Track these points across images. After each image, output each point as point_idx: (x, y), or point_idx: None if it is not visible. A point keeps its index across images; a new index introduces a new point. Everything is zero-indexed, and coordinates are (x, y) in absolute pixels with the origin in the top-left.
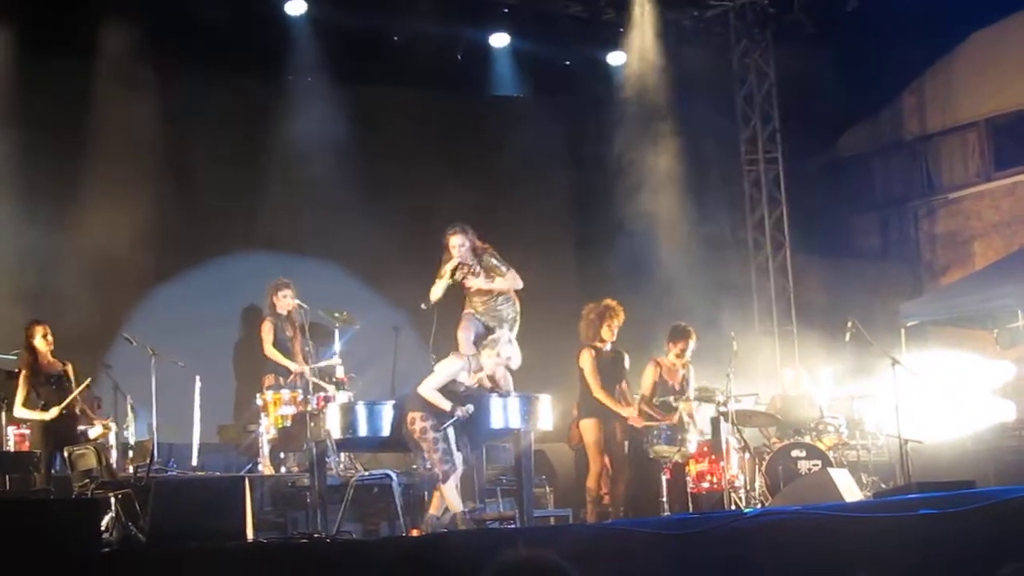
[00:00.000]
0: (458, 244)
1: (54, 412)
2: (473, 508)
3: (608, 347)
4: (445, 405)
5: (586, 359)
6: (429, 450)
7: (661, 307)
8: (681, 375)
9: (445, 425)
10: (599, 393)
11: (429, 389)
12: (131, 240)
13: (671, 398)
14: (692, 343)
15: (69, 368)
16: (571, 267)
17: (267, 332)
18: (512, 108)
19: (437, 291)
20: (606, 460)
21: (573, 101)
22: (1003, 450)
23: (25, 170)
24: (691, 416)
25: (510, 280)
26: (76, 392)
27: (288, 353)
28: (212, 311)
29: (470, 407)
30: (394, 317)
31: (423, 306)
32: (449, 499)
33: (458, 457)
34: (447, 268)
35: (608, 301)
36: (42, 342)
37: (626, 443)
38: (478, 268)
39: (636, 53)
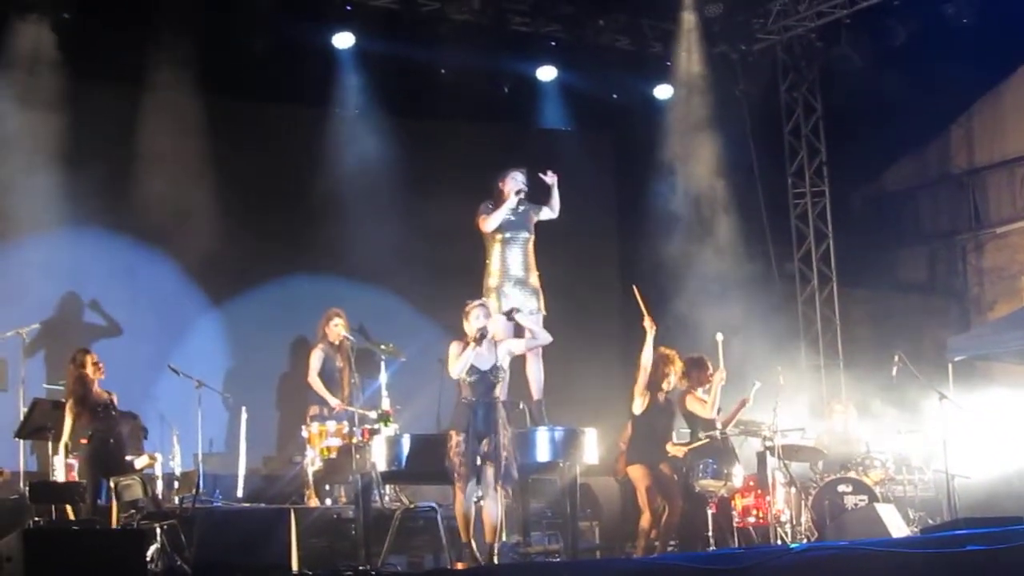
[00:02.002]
0: (522, 181)
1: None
2: (518, 542)
3: (662, 398)
4: (468, 358)
5: (637, 404)
6: (458, 464)
7: (707, 342)
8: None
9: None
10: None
11: (456, 372)
12: (178, 268)
13: (717, 431)
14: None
15: (114, 397)
16: (615, 301)
17: (315, 360)
18: (559, 141)
19: (497, 219)
20: (658, 503)
21: (619, 134)
22: None
23: (74, 198)
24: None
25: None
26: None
27: (336, 383)
28: (258, 340)
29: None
30: (441, 347)
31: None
32: (460, 515)
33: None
34: (513, 199)
35: (663, 349)
36: (92, 370)
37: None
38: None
39: (683, 87)
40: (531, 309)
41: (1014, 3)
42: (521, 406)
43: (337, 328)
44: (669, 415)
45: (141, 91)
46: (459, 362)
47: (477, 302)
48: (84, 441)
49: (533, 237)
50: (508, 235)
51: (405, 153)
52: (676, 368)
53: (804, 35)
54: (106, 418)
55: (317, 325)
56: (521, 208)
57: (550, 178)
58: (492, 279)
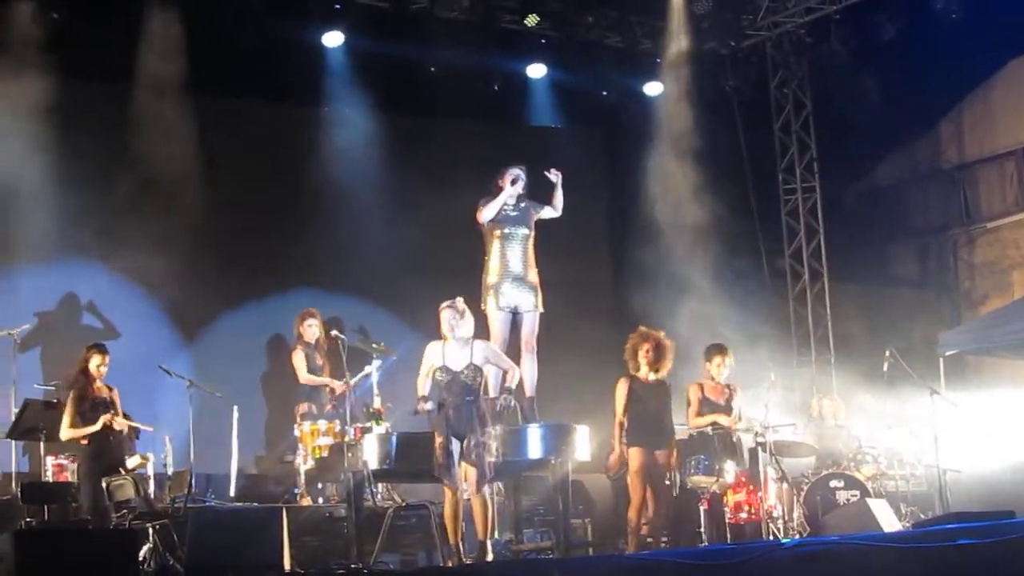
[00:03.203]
0: (522, 178)
1: (101, 423)
2: (510, 539)
3: (649, 377)
4: (423, 390)
5: (619, 388)
6: (440, 465)
7: (699, 338)
8: (727, 395)
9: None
10: (620, 418)
11: (420, 379)
12: (168, 271)
13: (720, 418)
14: (729, 359)
15: (115, 394)
16: (607, 299)
17: (299, 360)
18: (549, 138)
19: (493, 208)
20: (648, 490)
21: (610, 131)
22: None
23: (64, 202)
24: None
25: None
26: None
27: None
28: (247, 341)
29: (430, 404)
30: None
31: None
32: (447, 516)
33: (457, 474)
34: (511, 192)
35: (641, 328)
36: (96, 370)
37: (669, 473)
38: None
39: (673, 83)
40: (529, 307)
41: None
42: (513, 403)
43: (312, 328)
44: (659, 396)
45: (130, 90)
46: (422, 368)
47: (446, 304)
48: (84, 442)
49: (533, 234)
50: (507, 231)
51: (394, 152)
52: (647, 344)
53: (793, 31)
54: (104, 415)
55: (292, 326)
56: (522, 204)
57: (554, 176)
58: (491, 276)
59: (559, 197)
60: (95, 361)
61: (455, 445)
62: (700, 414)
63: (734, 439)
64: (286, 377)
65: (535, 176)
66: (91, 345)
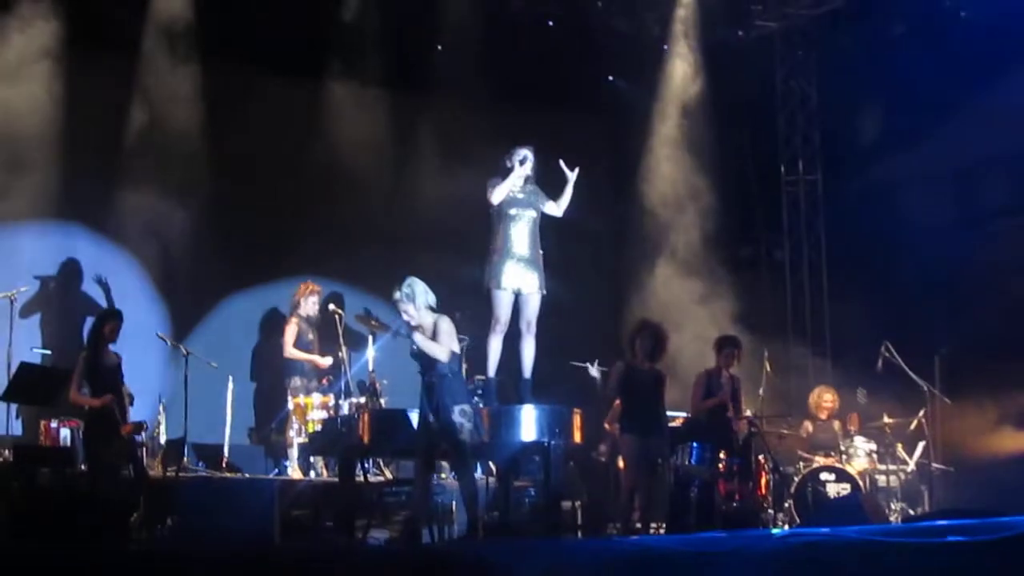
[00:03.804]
0: (530, 158)
1: (101, 402)
2: (500, 520)
3: (645, 366)
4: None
5: (615, 375)
6: (419, 438)
7: (697, 329)
8: (732, 386)
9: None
10: (615, 405)
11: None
12: (168, 241)
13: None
14: (739, 351)
15: (120, 362)
16: (607, 281)
17: (291, 333)
18: (554, 122)
19: (503, 190)
20: (639, 477)
21: (615, 117)
22: None
23: (66, 164)
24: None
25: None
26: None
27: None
28: (244, 312)
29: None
30: None
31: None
32: (421, 491)
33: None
34: (520, 173)
35: (641, 318)
36: (109, 335)
37: (660, 459)
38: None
39: (679, 71)
40: (532, 288)
41: None
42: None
43: (312, 304)
44: (655, 384)
45: (137, 58)
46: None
47: (398, 303)
48: (85, 401)
49: (539, 217)
50: (513, 212)
51: (399, 130)
52: (644, 334)
53: (802, 23)
54: (112, 381)
55: (292, 296)
56: (528, 187)
57: (570, 172)
58: (495, 257)
59: (566, 197)
60: (109, 326)
61: (431, 420)
62: (702, 401)
63: (728, 428)
64: (281, 351)
65: (545, 162)
66: (106, 311)
